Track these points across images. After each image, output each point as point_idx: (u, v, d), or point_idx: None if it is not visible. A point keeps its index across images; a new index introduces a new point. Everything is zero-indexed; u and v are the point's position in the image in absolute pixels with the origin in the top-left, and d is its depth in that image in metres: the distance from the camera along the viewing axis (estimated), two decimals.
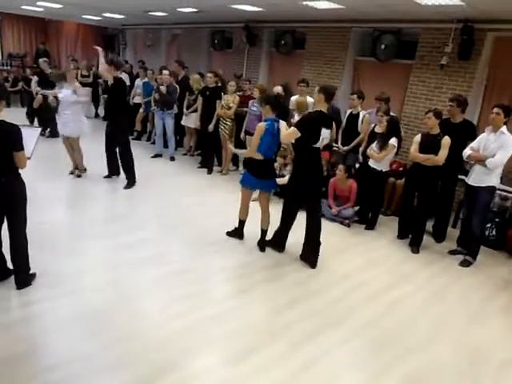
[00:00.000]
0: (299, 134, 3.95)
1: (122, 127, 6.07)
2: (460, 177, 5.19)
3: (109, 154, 6.19)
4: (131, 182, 6.12)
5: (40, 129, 3.36)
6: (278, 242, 4.48)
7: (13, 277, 3.29)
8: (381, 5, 5.77)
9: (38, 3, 10.30)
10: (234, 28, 9.77)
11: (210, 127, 7.03)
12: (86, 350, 2.73)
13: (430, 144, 4.66)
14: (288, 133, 4.10)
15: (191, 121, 7.75)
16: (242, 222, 4.60)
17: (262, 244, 4.47)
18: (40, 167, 6.56)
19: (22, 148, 2.93)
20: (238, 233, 4.64)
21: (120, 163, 6.18)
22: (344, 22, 7.49)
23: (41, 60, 8.80)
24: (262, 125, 4.12)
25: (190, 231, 4.77)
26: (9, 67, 13.71)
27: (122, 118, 6.02)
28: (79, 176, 6.25)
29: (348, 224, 5.48)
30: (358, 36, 7.61)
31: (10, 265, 3.30)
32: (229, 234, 4.68)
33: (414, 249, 4.92)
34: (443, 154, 4.57)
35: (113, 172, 6.39)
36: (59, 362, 2.61)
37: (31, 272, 3.38)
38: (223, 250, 4.39)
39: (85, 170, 6.40)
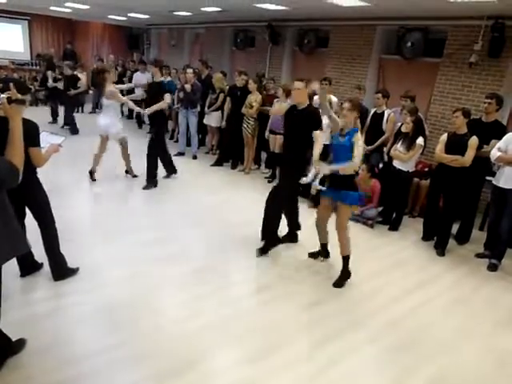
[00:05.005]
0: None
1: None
2: (487, 178, 5.03)
3: (161, 155, 6.21)
4: (149, 183, 6.00)
5: (64, 137, 3.40)
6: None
7: (44, 271, 3.47)
8: (407, 2, 5.66)
9: (66, 4, 10.55)
10: (256, 27, 9.77)
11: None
12: (109, 343, 2.78)
13: (456, 144, 4.53)
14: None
15: (213, 120, 7.80)
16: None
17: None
18: (68, 163, 6.73)
19: (37, 144, 2.96)
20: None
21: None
22: (369, 20, 7.38)
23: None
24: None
25: (213, 229, 4.79)
26: (37, 67, 14.08)
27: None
28: (135, 176, 6.30)
29: (371, 224, 5.41)
30: (383, 34, 7.50)
31: (38, 258, 3.44)
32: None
33: (440, 251, 4.81)
34: (470, 154, 4.44)
35: (169, 171, 6.47)
36: (83, 355, 2.65)
37: (73, 267, 3.53)
38: (245, 248, 4.39)
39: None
